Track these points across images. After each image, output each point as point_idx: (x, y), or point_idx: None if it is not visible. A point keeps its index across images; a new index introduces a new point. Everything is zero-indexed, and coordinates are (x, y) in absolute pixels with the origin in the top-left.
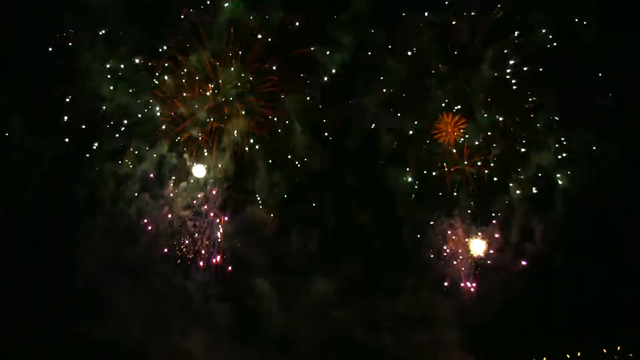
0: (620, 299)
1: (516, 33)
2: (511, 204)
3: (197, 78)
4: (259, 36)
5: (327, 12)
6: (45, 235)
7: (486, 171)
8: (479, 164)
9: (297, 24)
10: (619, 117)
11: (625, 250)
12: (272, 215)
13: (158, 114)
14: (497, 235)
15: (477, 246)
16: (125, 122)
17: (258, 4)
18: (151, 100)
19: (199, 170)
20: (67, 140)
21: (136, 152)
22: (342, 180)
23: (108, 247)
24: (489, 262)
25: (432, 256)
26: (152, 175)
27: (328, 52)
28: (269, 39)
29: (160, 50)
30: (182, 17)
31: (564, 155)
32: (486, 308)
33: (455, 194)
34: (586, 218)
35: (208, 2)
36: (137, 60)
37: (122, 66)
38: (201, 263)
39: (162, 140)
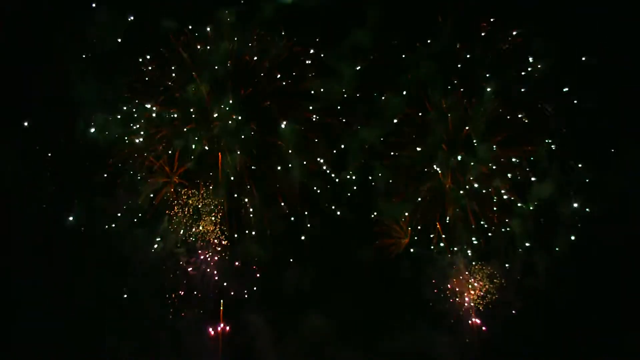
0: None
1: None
2: (513, 238)
3: (192, 112)
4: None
5: (328, 44)
6: (38, 267)
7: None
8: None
9: (298, 55)
10: (620, 148)
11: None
12: (267, 250)
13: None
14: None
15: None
16: (120, 155)
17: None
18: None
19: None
20: (60, 173)
21: (130, 185)
22: (339, 214)
23: (101, 281)
24: (490, 299)
25: (432, 292)
26: (146, 210)
27: (327, 84)
28: (269, 71)
29: (157, 83)
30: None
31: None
32: (488, 345)
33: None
34: (589, 253)
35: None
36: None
37: (117, 98)
38: (194, 299)
39: (158, 174)
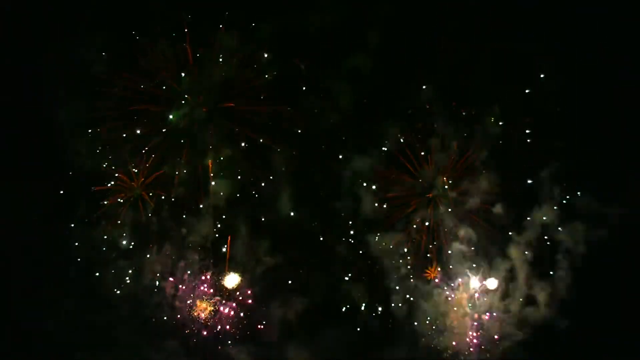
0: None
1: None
2: (512, 266)
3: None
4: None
5: (326, 68)
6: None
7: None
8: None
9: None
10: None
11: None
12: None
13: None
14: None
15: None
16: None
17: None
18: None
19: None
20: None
21: (115, 216)
22: (329, 244)
23: (82, 313)
24: (489, 331)
25: (427, 325)
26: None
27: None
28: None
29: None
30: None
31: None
32: None
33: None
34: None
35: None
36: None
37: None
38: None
39: (146, 205)
